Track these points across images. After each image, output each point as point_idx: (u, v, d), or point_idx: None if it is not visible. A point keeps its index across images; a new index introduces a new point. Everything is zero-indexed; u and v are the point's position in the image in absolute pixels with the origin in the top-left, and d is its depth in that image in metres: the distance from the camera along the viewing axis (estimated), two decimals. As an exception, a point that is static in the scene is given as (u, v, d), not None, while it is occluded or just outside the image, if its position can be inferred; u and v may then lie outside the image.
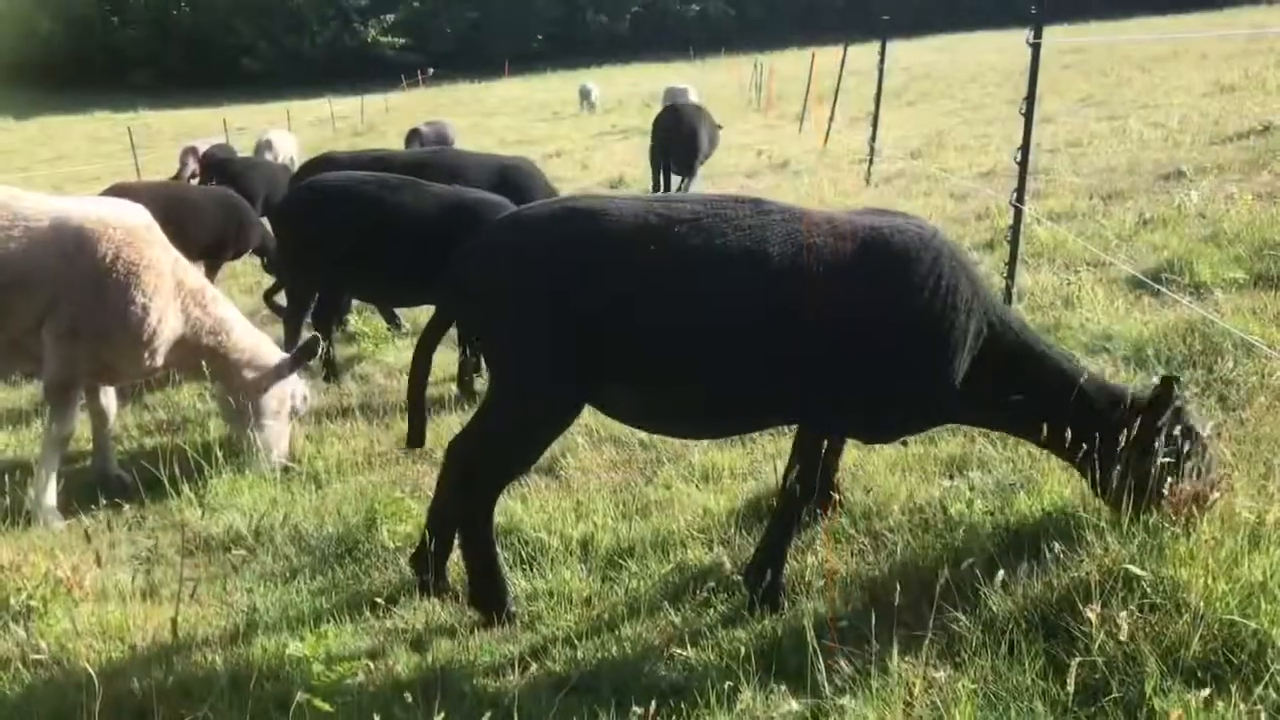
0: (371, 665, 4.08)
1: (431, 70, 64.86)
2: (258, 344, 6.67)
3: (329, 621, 4.56)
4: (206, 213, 10.50)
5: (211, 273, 10.53)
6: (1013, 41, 34.05)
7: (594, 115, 29.79)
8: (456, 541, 4.59)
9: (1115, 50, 32.99)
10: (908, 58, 41.63)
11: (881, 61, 14.32)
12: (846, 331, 4.03)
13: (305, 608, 4.72)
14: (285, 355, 6.75)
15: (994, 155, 14.38)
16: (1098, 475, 4.10)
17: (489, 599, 4.44)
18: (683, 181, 14.59)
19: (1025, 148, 7.11)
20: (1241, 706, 3.07)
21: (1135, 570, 3.50)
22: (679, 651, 3.97)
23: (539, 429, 4.36)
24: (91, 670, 3.58)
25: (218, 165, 14.67)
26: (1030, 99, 7.02)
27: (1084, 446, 4.06)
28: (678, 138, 14.01)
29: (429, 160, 9.59)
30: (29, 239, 5.77)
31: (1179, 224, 8.48)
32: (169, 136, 39.51)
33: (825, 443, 4.15)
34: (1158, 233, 8.37)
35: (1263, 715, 3.03)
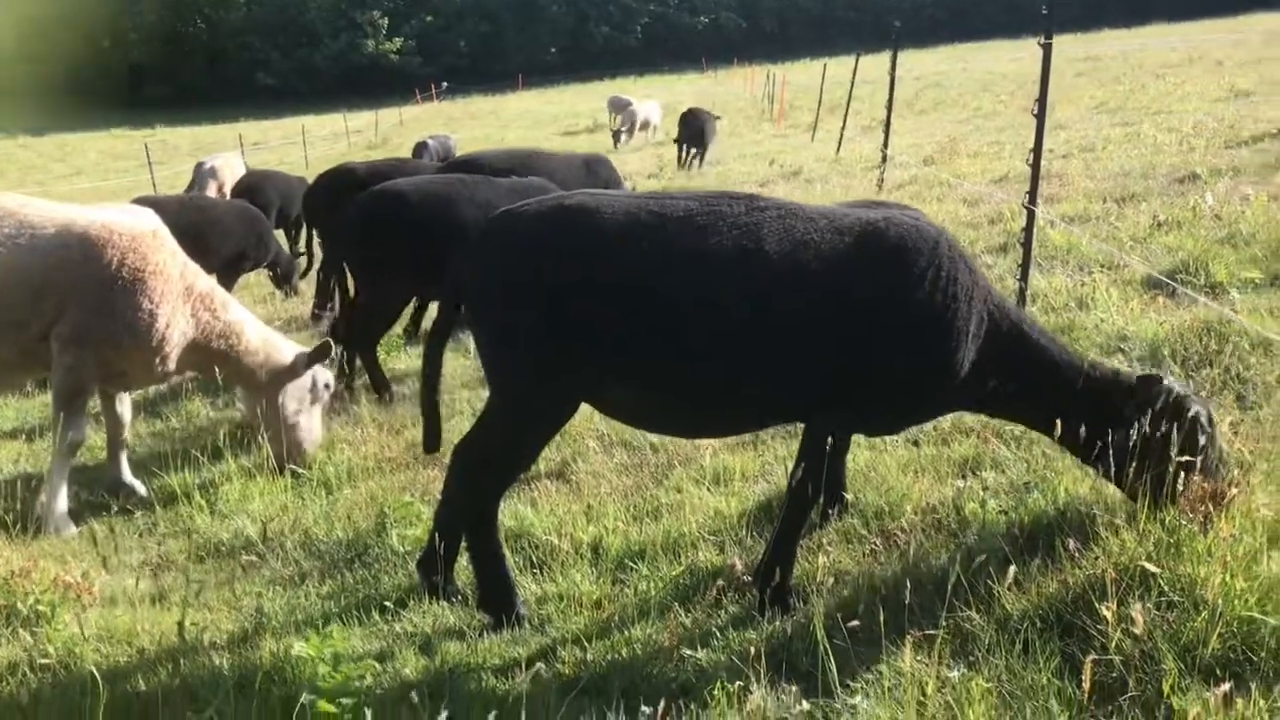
0: (379, 667, 4.05)
1: (445, 84, 65.16)
2: (272, 346, 6.67)
3: (338, 624, 4.53)
4: (228, 225, 10.59)
5: (228, 284, 10.57)
6: (1025, 50, 34.05)
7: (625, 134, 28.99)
8: (464, 545, 4.57)
9: (1129, 58, 32.89)
10: (920, 67, 41.58)
11: (893, 69, 14.30)
12: (847, 327, 4.00)
13: (314, 611, 4.71)
14: (301, 351, 6.74)
15: (1007, 162, 14.30)
16: (1110, 467, 4.08)
17: (497, 601, 4.41)
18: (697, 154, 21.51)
19: (1037, 150, 7.06)
20: (1262, 704, 3.01)
21: (1151, 568, 3.44)
22: (689, 652, 3.93)
23: (536, 428, 4.33)
24: (96, 673, 3.56)
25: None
26: (1042, 101, 6.98)
27: (1091, 437, 4.04)
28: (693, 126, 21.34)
29: (519, 162, 9.78)
30: (35, 246, 5.77)
31: (1194, 226, 8.40)
32: (185, 152, 39.79)
33: (830, 441, 4.09)
34: (1172, 234, 8.30)
35: (1283, 713, 2.97)
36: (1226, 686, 2.88)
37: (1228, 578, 3.45)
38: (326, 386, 6.91)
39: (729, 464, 5.61)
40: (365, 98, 62.43)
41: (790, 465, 4.69)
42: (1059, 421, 4.03)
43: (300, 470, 6.54)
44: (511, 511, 5.43)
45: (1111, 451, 4.03)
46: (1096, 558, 3.83)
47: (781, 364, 4.07)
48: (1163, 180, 10.92)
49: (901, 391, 4.16)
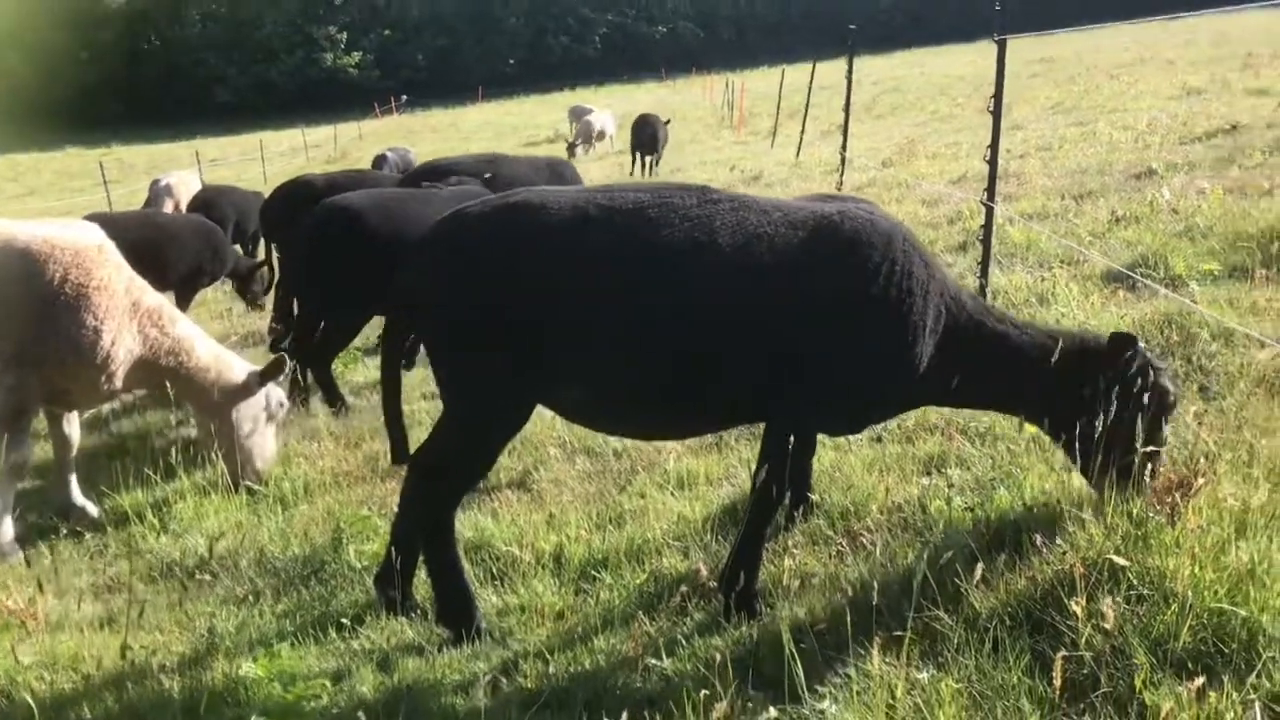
0: (333, 686, 3.92)
1: (405, 97, 64.86)
2: (223, 363, 6.51)
3: (292, 643, 4.40)
4: (183, 240, 10.40)
5: (185, 300, 10.37)
6: (980, 54, 34.30)
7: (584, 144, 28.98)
8: (422, 558, 4.45)
9: (1083, 58, 33.23)
10: (877, 72, 41.86)
11: (850, 73, 14.30)
12: (802, 322, 3.92)
13: (268, 630, 4.57)
14: (253, 370, 6.58)
15: (964, 162, 14.37)
16: (1087, 445, 4.00)
17: (457, 615, 4.29)
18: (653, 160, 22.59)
19: (994, 146, 7.05)
20: (1235, 696, 2.95)
21: (1119, 560, 3.39)
22: (654, 662, 3.84)
23: (492, 434, 4.23)
24: (34, 702, 3.41)
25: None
26: (997, 97, 6.97)
27: (1068, 415, 4.05)
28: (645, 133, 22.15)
29: (484, 166, 9.82)
30: None
31: (1152, 220, 8.44)
32: (141, 170, 39.25)
33: (792, 441, 4.01)
34: (1130, 229, 8.32)
35: (1257, 705, 2.92)
36: (1200, 680, 2.83)
37: (1197, 569, 3.40)
38: (280, 404, 6.76)
39: (693, 468, 5.53)
40: (323, 112, 61.96)
41: (754, 467, 4.62)
42: (1034, 407, 4.11)
43: (255, 487, 6.39)
44: (471, 523, 5.32)
45: (1089, 426, 3.96)
46: (1064, 552, 3.77)
47: (737, 360, 3.98)
48: (1119, 177, 10.98)
49: (859, 388, 4.09)
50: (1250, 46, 25.81)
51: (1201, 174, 10.03)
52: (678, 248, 3.84)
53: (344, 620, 4.52)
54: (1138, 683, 3.12)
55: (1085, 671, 3.24)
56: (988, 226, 7.19)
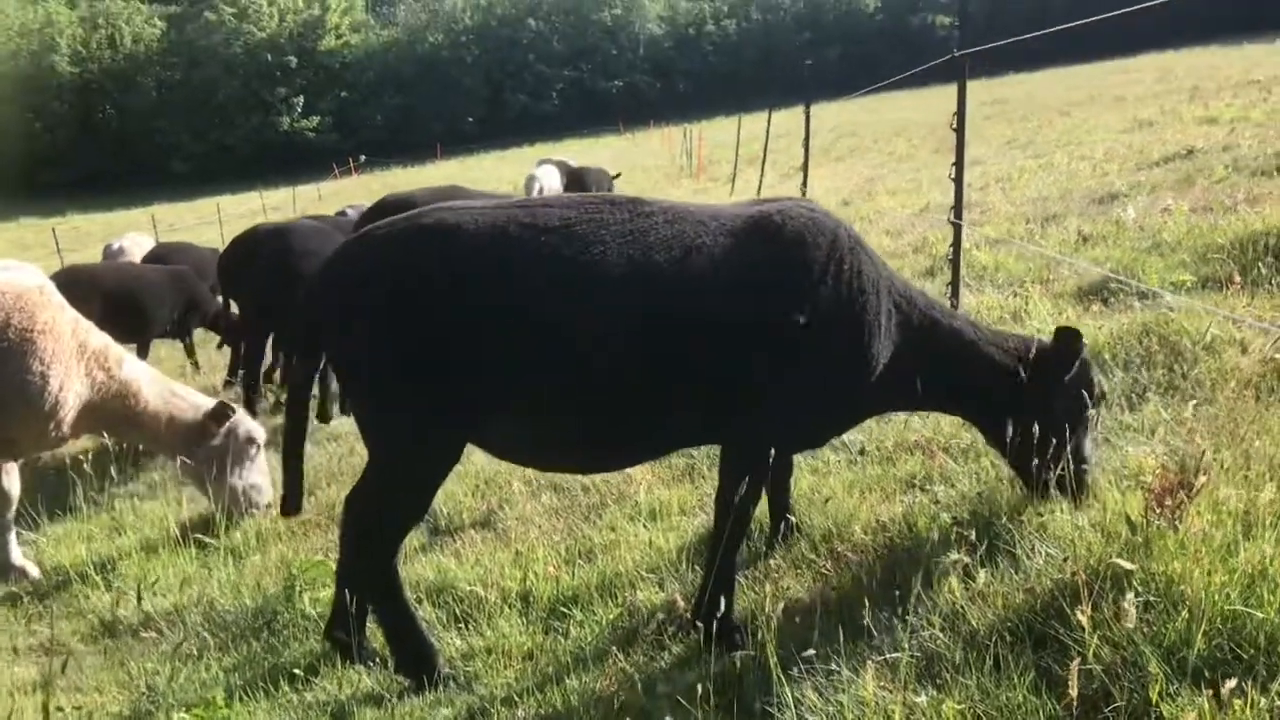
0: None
1: (364, 157, 64.74)
2: (175, 405, 6.21)
3: (240, 697, 4.09)
4: (164, 290, 10.19)
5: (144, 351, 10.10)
6: (933, 97, 34.68)
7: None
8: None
9: (1034, 98, 33.68)
10: (832, 118, 42.19)
11: (807, 112, 14.32)
12: (752, 332, 3.67)
13: (214, 685, 4.25)
14: (205, 407, 6.28)
15: (925, 195, 14.33)
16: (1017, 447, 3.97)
17: (414, 661, 3.99)
18: None
19: (959, 163, 6.93)
20: (1262, 702, 2.72)
21: (1125, 564, 3.16)
22: (630, 699, 3.56)
23: (421, 476, 3.84)
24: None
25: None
26: (960, 115, 6.86)
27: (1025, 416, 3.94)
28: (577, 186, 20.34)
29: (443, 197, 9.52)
30: None
31: (1119, 238, 8.34)
32: (98, 238, 38.58)
33: (756, 460, 3.77)
34: (1099, 248, 8.22)
35: (1285, 712, 2.69)
36: (1231, 683, 2.60)
37: (1206, 573, 3.18)
38: (250, 439, 6.44)
39: (665, 499, 5.28)
40: (282, 175, 61.70)
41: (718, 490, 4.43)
42: (988, 406, 4.05)
43: (206, 540, 6.06)
44: (433, 564, 5.05)
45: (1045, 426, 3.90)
46: (1065, 559, 3.55)
47: (683, 382, 3.69)
48: (1081, 201, 10.93)
49: (818, 395, 3.83)
50: (1195, 81, 26.25)
51: (1164, 194, 9.99)
52: (611, 266, 3.54)
53: (297, 671, 4.22)
54: (1153, 695, 2.88)
55: (1095, 686, 3.00)
56: (956, 246, 7.05)
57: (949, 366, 4.06)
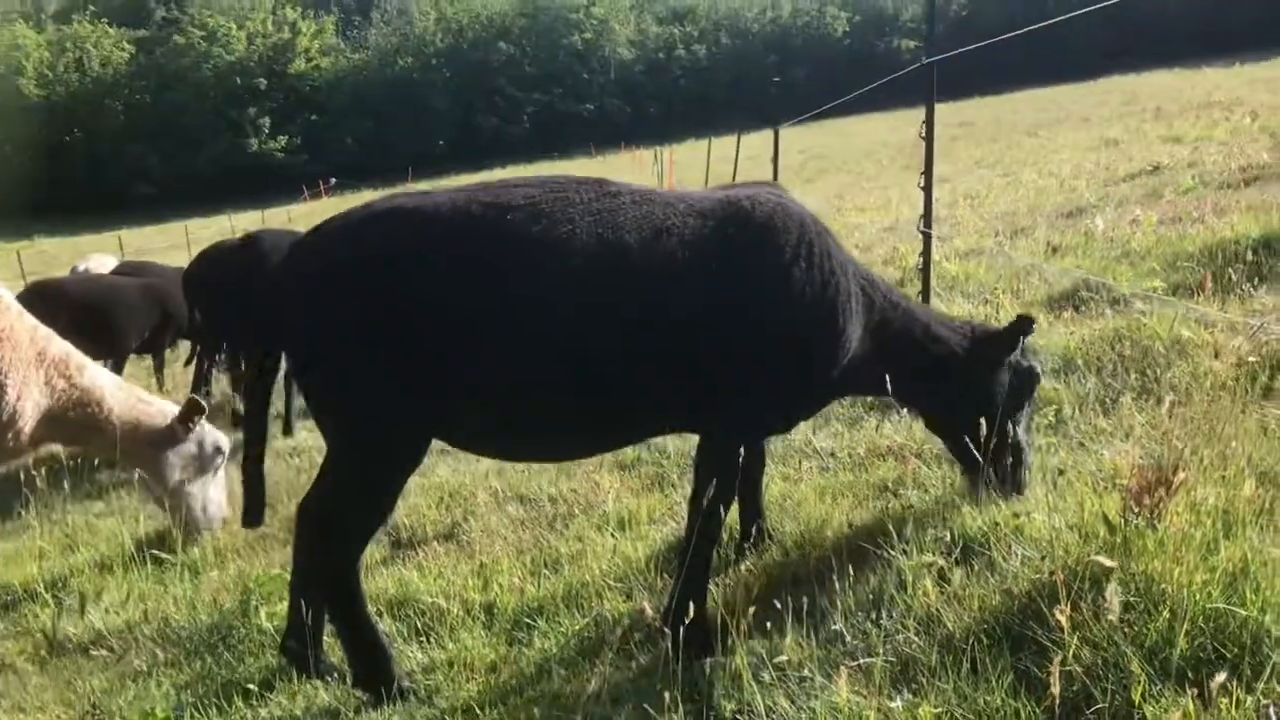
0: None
1: (334, 180, 64.43)
2: (141, 411, 6.03)
3: (192, 714, 3.93)
4: (135, 302, 10.00)
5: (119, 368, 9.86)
6: (901, 120, 34.96)
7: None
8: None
9: (1001, 120, 34.00)
10: (802, 141, 42.42)
11: (776, 136, 14.35)
12: (726, 315, 3.62)
13: (166, 703, 4.08)
14: (173, 413, 6.11)
15: (894, 211, 14.35)
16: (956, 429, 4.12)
17: (373, 675, 3.83)
18: None
19: (928, 171, 6.89)
20: (1248, 701, 2.64)
21: (1106, 561, 3.07)
22: (596, 710, 3.43)
23: (383, 476, 3.69)
24: None
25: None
26: (929, 122, 6.82)
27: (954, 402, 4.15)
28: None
29: None
30: None
31: (1088, 248, 8.34)
32: (64, 262, 38.16)
33: (727, 451, 3.70)
34: (1069, 257, 8.21)
35: (1271, 710, 2.60)
36: (1220, 676, 2.51)
37: (1187, 572, 3.10)
38: (218, 449, 6.27)
39: (633, 507, 5.16)
40: (250, 199, 61.29)
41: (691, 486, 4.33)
42: (945, 394, 4.18)
43: (163, 555, 5.88)
44: (395, 577, 4.90)
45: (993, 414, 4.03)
46: (1043, 558, 3.46)
47: (654, 362, 3.61)
48: (1050, 215, 10.96)
49: (793, 378, 3.81)
50: (1158, 102, 26.56)
51: (1131, 208, 10.01)
52: (581, 246, 3.45)
53: (251, 687, 4.06)
54: (1136, 695, 2.79)
55: (1076, 687, 2.91)
56: (926, 255, 7.00)
57: (907, 346, 4.12)
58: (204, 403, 6.25)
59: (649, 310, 3.55)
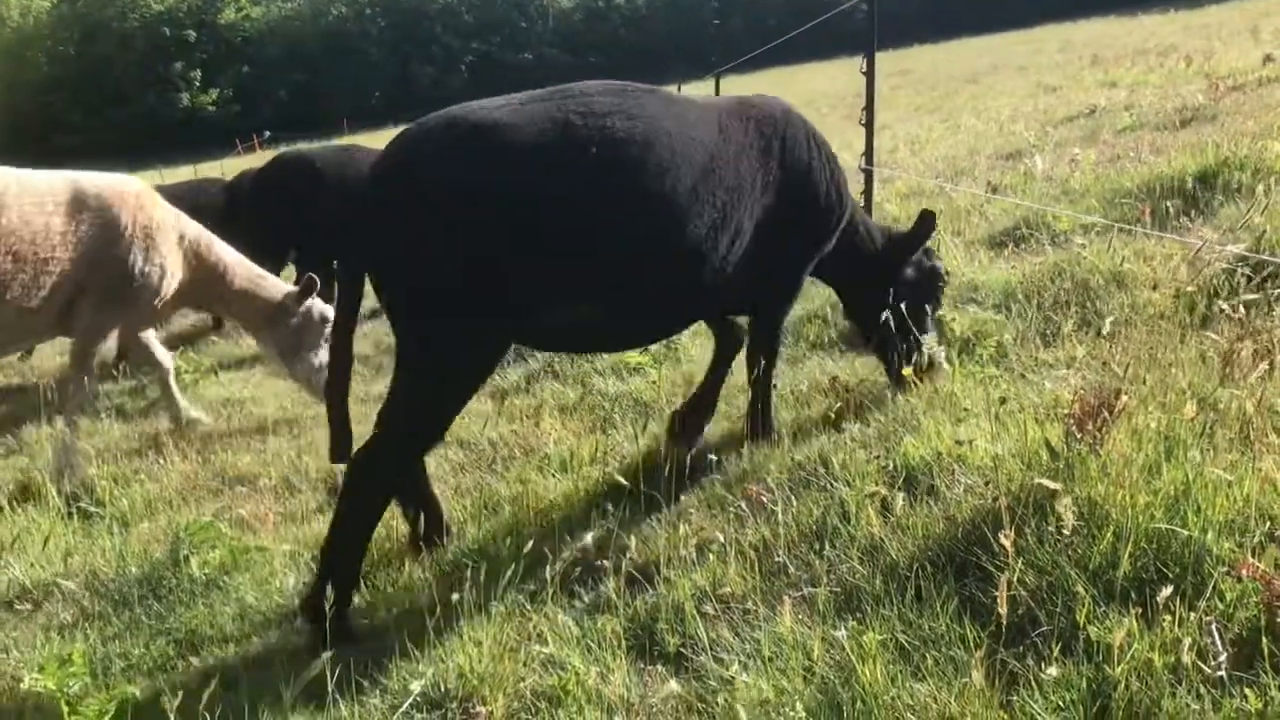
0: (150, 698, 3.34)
1: (268, 133, 62.91)
2: (259, 283, 6.72)
3: (123, 665, 3.80)
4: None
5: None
6: (839, 69, 34.92)
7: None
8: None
9: (939, 69, 34.06)
10: (743, 90, 42.21)
11: (717, 83, 14.22)
12: (771, 195, 4.22)
13: (93, 656, 3.94)
14: (289, 290, 6.76)
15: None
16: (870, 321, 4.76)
17: (327, 597, 3.72)
18: None
19: (869, 108, 6.82)
20: (1190, 617, 2.63)
21: (1051, 484, 3.04)
22: (539, 649, 3.36)
23: (465, 378, 3.80)
24: None
25: None
26: (870, 58, 6.74)
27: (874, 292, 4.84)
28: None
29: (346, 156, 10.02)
30: None
31: (1028, 188, 8.34)
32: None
33: (774, 323, 4.65)
34: (1009, 197, 8.20)
35: (1214, 626, 2.60)
36: (1166, 590, 2.49)
37: (1130, 494, 3.09)
38: (324, 320, 6.68)
39: (576, 449, 5.08)
40: (182, 153, 59.62)
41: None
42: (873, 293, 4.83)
43: (92, 509, 5.69)
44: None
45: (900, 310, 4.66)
46: (987, 484, 3.44)
47: (735, 241, 4.06)
48: (990, 158, 10.98)
49: (809, 251, 4.57)
50: (1095, 50, 26.72)
51: (1070, 148, 10.04)
52: (669, 144, 3.76)
53: (180, 636, 3.94)
54: (1080, 617, 2.78)
55: (1021, 610, 2.89)
56: (868, 193, 6.95)
57: (857, 238, 4.86)
58: (316, 280, 6.72)
59: (726, 194, 3.98)
